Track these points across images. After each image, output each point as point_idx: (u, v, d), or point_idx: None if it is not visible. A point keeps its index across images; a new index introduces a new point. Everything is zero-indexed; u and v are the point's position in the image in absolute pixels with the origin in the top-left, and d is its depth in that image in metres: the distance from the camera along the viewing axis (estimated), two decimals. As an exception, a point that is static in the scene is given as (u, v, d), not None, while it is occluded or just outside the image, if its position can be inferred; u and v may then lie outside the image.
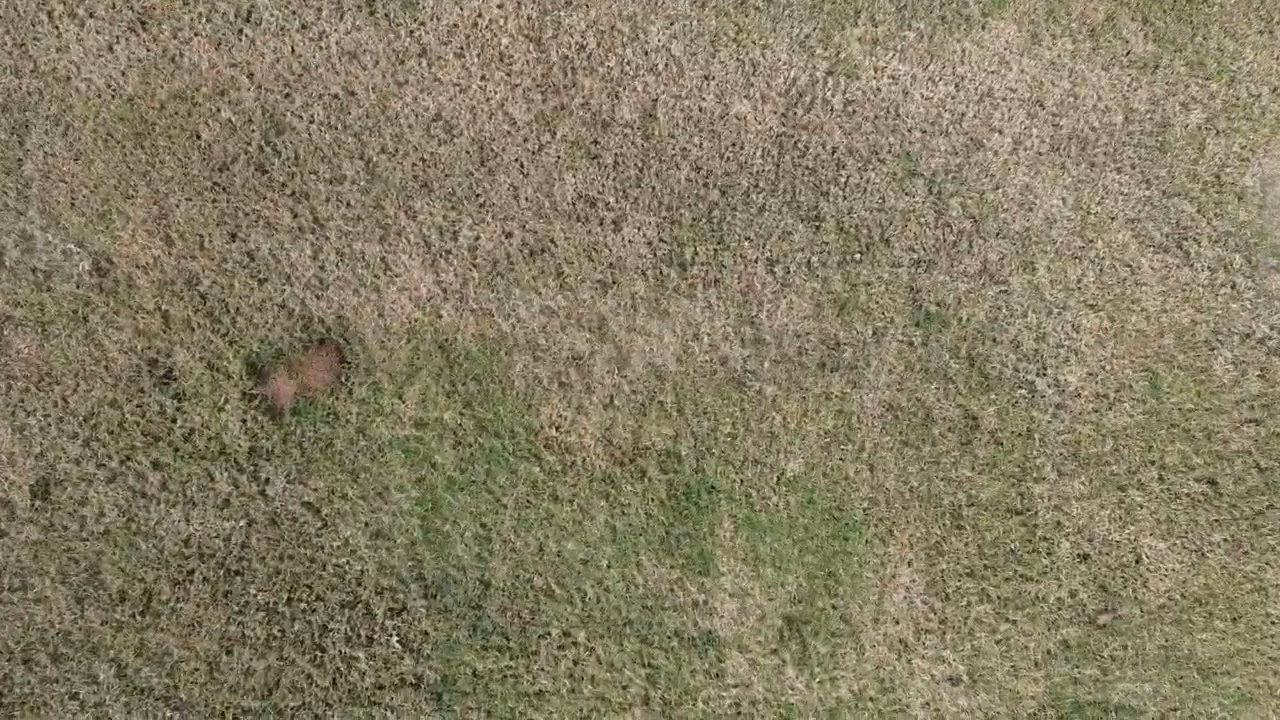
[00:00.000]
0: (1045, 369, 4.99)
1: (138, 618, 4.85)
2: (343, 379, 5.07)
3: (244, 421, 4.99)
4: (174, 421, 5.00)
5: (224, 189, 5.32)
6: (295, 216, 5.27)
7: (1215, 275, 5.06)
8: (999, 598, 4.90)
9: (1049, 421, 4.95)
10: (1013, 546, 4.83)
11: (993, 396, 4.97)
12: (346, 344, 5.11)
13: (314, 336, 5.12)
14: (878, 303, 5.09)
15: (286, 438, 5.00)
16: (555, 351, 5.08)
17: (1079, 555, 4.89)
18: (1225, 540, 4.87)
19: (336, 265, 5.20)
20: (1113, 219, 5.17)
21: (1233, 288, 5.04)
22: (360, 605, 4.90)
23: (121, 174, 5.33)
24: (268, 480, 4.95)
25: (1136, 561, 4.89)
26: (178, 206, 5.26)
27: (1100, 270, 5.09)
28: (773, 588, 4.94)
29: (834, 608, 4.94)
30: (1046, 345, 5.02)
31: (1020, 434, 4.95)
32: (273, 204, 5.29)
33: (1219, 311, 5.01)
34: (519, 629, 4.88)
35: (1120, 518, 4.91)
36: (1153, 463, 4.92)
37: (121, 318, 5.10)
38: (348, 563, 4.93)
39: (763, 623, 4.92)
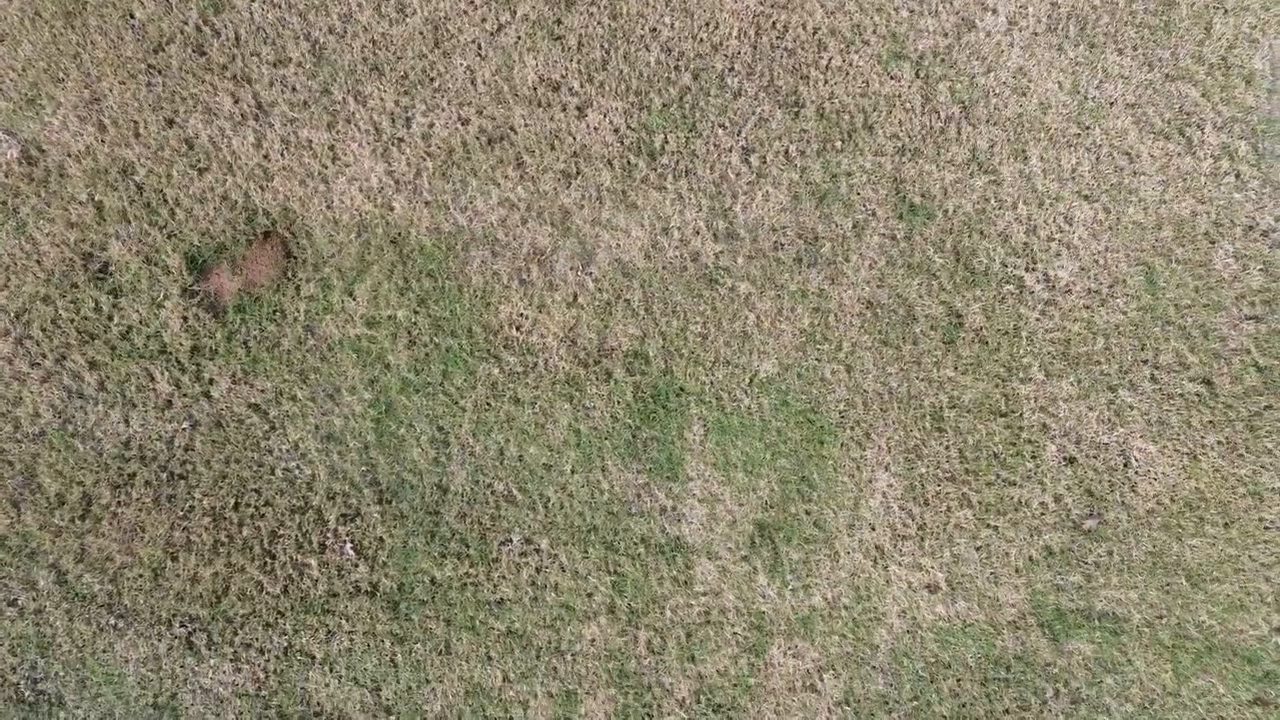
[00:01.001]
0: (1035, 263, 4.69)
1: (77, 522, 4.61)
2: (289, 274, 4.76)
3: (185, 319, 4.69)
4: (110, 319, 4.70)
5: (159, 72, 4.93)
6: (237, 102, 4.90)
7: (1219, 164, 4.72)
8: (980, 503, 4.68)
9: (1037, 319, 4.67)
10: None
11: (979, 293, 4.68)
12: (293, 237, 4.78)
13: (258, 229, 4.78)
14: (859, 194, 4.76)
15: (230, 336, 4.70)
16: (515, 247, 4.76)
17: (1065, 459, 4.65)
18: (1219, 443, 4.63)
19: (281, 154, 4.84)
20: (1112, 104, 4.81)
21: (1237, 177, 4.72)
22: (311, 511, 4.66)
23: (50, 56, 4.92)
24: (211, 381, 4.68)
25: (1125, 465, 4.65)
26: (110, 91, 4.86)
27: (1097, 159, 4.75)
28: (744, 493, 4.71)
29: (807, 514, 4.71)
30: (1037, 239, 4.71)
31: (1006, 332, 4.67)
32: (212, 88, 4.90)
33: (1221, 202, 4.70)
34: (478, 536, 4.66)
35: (1110, 420, 4.66)
36: (1146, 362, 4.65)
37: (53, 209, 4.76)
38: (298, 467, 4.68)
39: (733, 529, 4.70)
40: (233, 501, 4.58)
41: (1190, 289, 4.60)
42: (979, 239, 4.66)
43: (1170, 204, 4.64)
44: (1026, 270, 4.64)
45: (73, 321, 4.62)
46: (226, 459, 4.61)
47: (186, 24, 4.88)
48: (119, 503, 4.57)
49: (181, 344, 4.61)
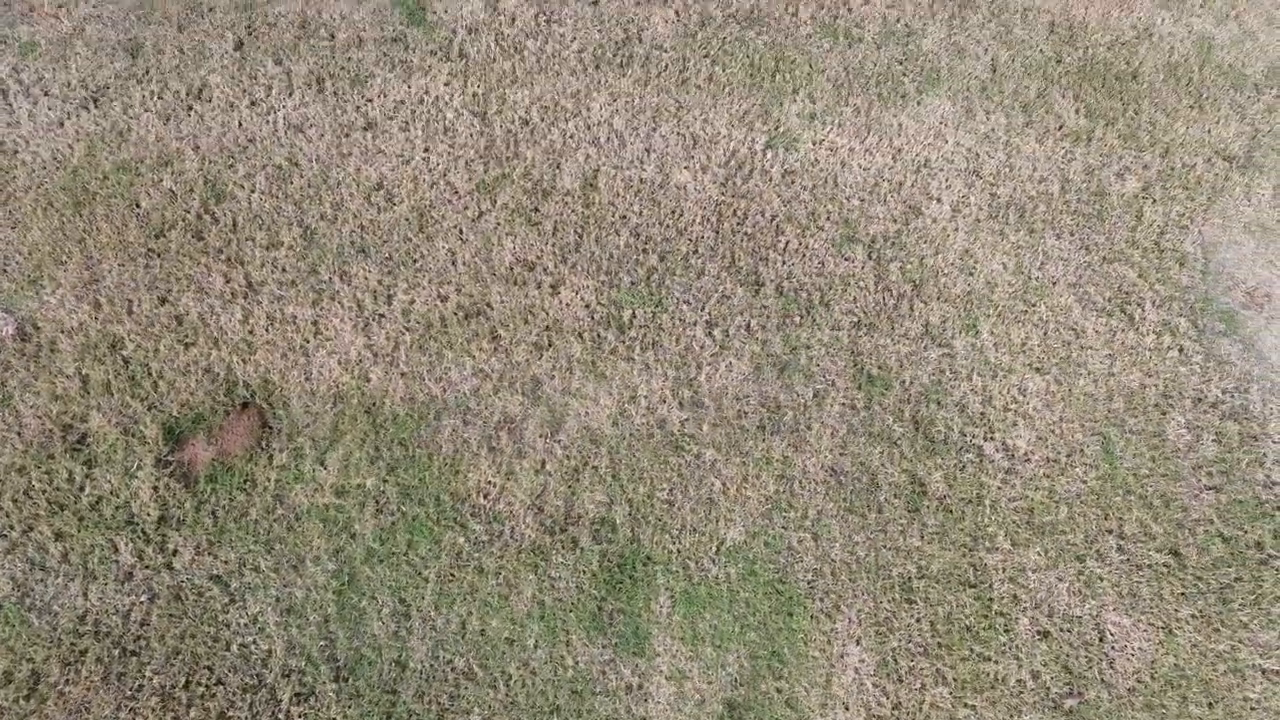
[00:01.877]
0: (993, 433, 4.80)
1: (21, 702, 4.46)
2: (264, 444, 4.85)
3: (155, 489, 4.73)
4: (82, 489, 4.74)
5: (158, 255, 5.25)
6: (228, 281, 5.18)
7: (1161, 339, 4.95)
8: (955, 679, 4.53)
9: (999, 487, 4.71)
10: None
11: (939, 461, 4.76)
12: (270, 408, 4.92)
13: (237, 400, 4.93)
14: (819, 365, 4.95)
15: (199, 506, 4.73)
16: (486, 415, 4.89)
17: (1039, 632, 4.55)
18: (1194, 615, 4.54)
19: (266, 329, 5.07)
20: (1054, 283, 5.09)
21: (1180, 351, 4.92)
22: (265, 689, 4.50)
23: (57, 240, 5.26)
24: (175, 551, 4.65)
25: (1101, 639, 4.54)
26: (110, 272, 5.15)
27: (1044, 333, 4.97)
28: (712, 669, 4.57)
29: (779, 691, 4.55)
30: (993, 408, 4.85)
31: (970, 500, 4.70)
32: (206, 269, 5.21)
33: (1168, 375, 4.87)
34: (436, 715, 4.48)
35: (1080, 591, 4.59)
36: (1111, 531, 4.65)
37: (40, 382, 4.91)
38: (254, 641, 4.56)
39: (702, 709, 4.52)
40: (184, 680, 4.44)
41: (1147, 458, 4.68)
42: (936, 408, 4.80)
43: (1119, 376, 4.81)
44: (985, 439, 4.74)
45: (44, 492, 4.66)
46: (182, 634, 4.51)
47: (189, 212, 5.25)
48: (67, 680, 4.43)
49: (149, 514, 4.63)
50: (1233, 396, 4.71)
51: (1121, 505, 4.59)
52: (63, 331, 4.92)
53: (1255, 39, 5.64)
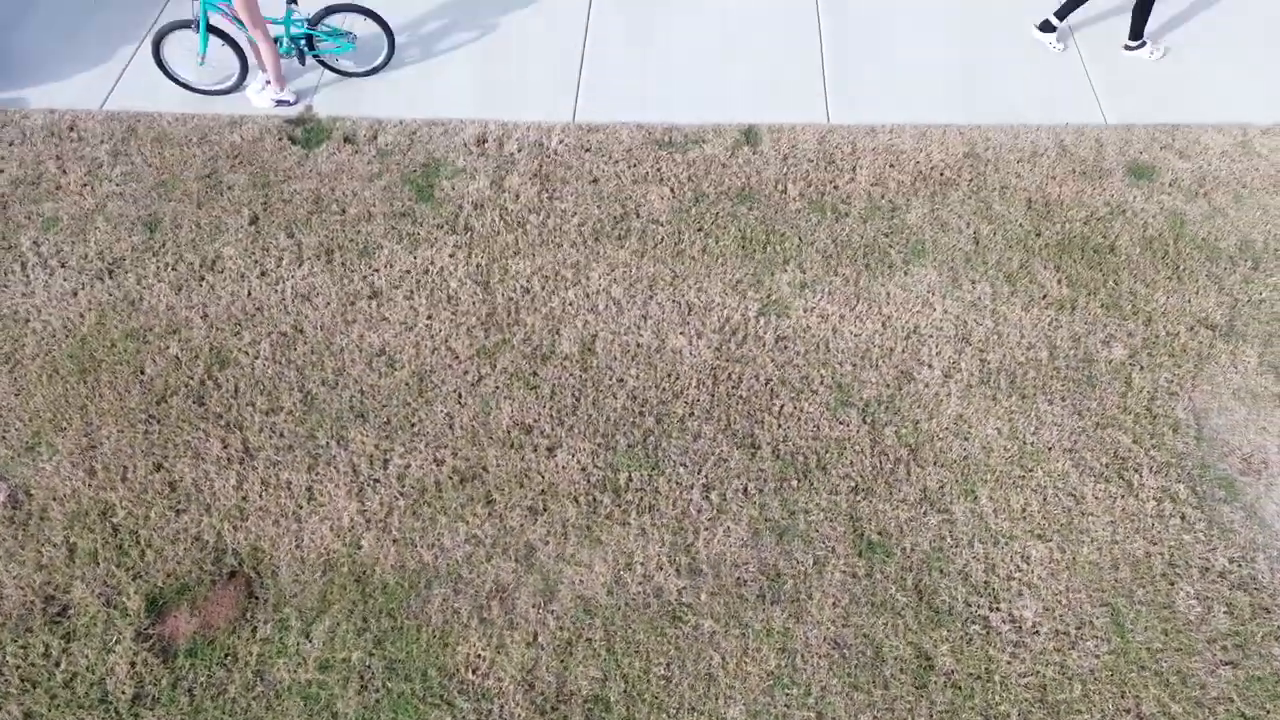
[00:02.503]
0: (998, 603, 4.70)
1: None
2: (248, 615, 4.74)
3: (133, 664, 4.57)
4: (58, 664, 4.58)
5: (158, 420, 5.34)
6: (226, 446, 5.24)
7: (1162, 505, 4.94)
8: None
9: (1009, 662, 4.57)
10: None
11: (945, 633, 4.64)
12: (258, 577, 4.84)
13: (225, 570, 4.86)
14: (818, 531, 4.92)
15: (176, 683, 4.56)
16: (478, 583, 4.80)
17: (1063, 822, 4.29)
18: (1225, 803, 4.30)
19: (260, 494, 5.07)
20: (1050, 448, 5.14)
21: (1182, 519, 4.90)
22: None
23: (59, 407, 5.36)
24: (147, 732, 4.45)
25: (1129, 830, 4.28)
26: (108, 438, 5.22)
27: (1044, 499, 4.97)
28: None
29: None
30: (997, 577, 4.77)
31: (979, 676, 4.54)
32: (204, 434, 5.27)
33: (1172, 543, 4.83)
34: None
35: (1103, 776, 4.37)
36: (1128, 711, 4.46)
37: (26, 550, 4.87)
38: (223, 834, 4.30)
39: None
40: None
41: (1159, 631, 4.57)
42: (939, 576, 4.73)
43: (1122, 544, 4.77)
44: (990, 609, 4.64)
45: (18, 668, 4.52)
46: (147, 824, 4.25)
47: (192, 378, 5.38)
48: None
49: (124, 692, 4.46)
50: (1240, 565, 4.65)
51: (1137, 682, 4.44)
52: (55, 499, 4.93)
53: (1225, 215, 5.95)
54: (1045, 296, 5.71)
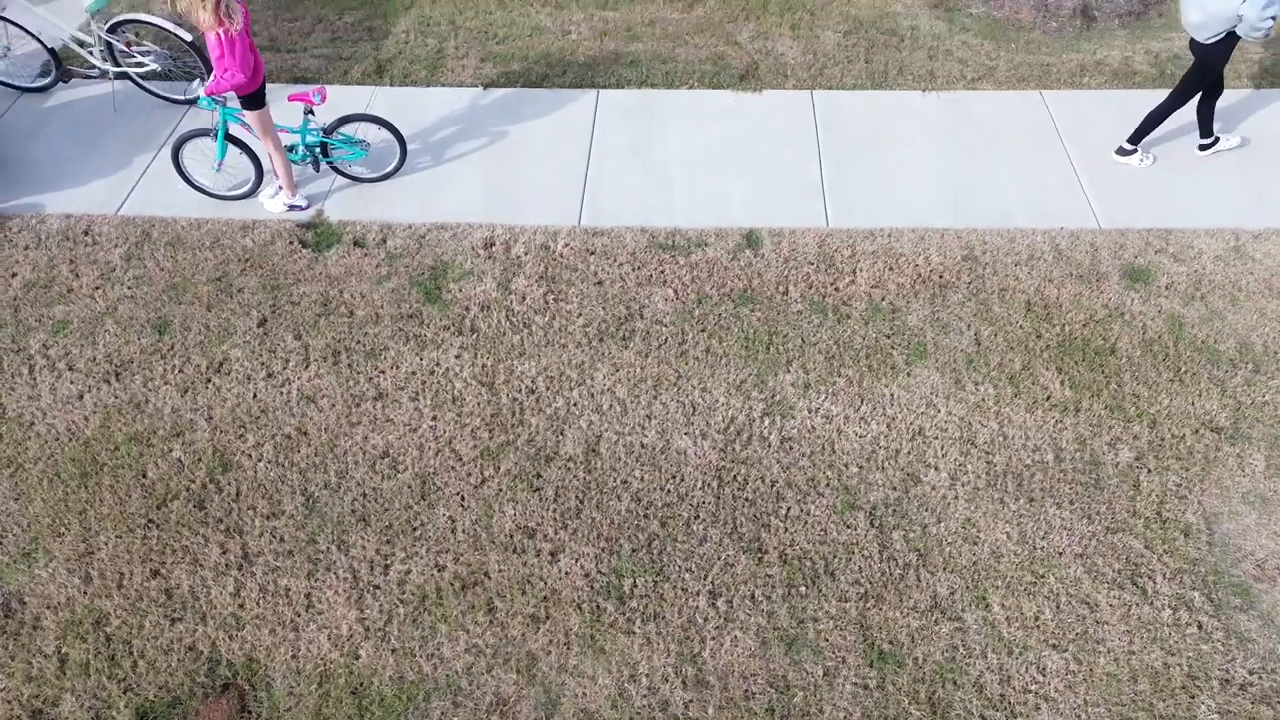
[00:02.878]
0: (1014, 717, 4.57)
1: None
2: (240, 731, 4.61)
3: (119, 783, 4.44)
4: (40, 783, 4.45)
5: (158, 525, 5.29)
6: (225, 552, 5.18)
7: (1178, 614, 4.85)
8: None
9: (1030, 780, 4.42)
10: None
11: (962, 749, 4.49)
12: (252, 689, 4.70)
13: (218, 682, 4.73)
14: (827, 640, 4.82)
15: (163, 803, 4.41)
16: (478, 696, 4.67)
17: None
18: None
19: (258, 602, 4.98)
20: (1060, 553, 5.08)
21: (1199, 628, 4.80)
22: None
23: (58, 512, 5.32)
24: None
25: None
26: (106, 544, 5.17)
27: (1057, 607, 4.89)
28: None
29: None
30: (1012, 689, 4.65)
31: (999, 796, 4.38)
32: (204, 539, 5.22)
33: (1190, 654, 4.72)
34: None
35: None
36: (1158, 833, 4.29)
37: (16, 661, 4.77)
38: None
39: None
40: None
41: (1183, 746, 4.43)
42: (953, 689, 4.61)
43: (1140, 655, 4.67)
44: (1008, 724, 4.52)
45: (-2, 786, 4.38)
46: None
47: (193, 482, 5.37)
48: None
49: (108, 812, 4.31)
50: (1260, 678, 4.55)
51: (1164, 802, 4.28)
52: (49, 607, 4.85)
53: (1223, 318, 6.04)
54: (1049, 398, 5.74)
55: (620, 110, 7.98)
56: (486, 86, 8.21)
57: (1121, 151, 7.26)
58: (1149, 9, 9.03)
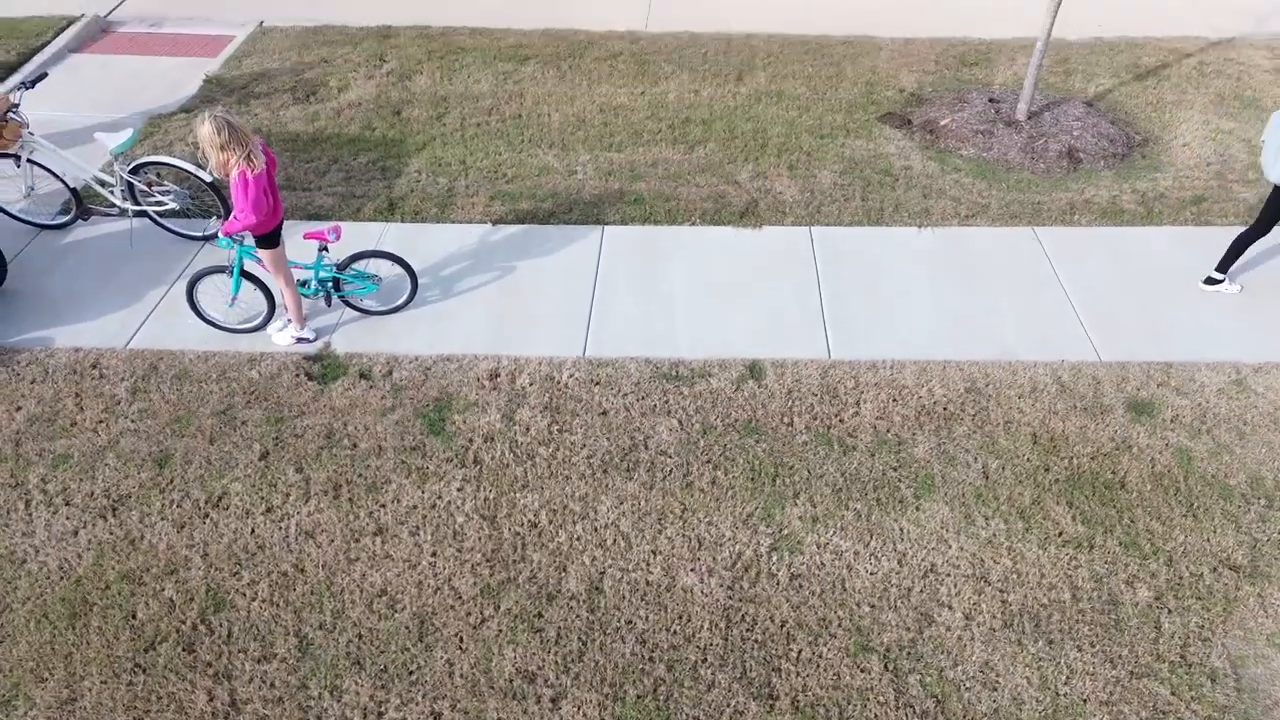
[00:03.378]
0: None
1: None
2: None
3: None
4: None
5: (145, 670, 5.08)
6: (211, 699, 4.95)
7: (1213, 764, 4.63)
8: None
9: None
10: None
11: None
12: None
13: (197, 843, 4.47)
14: (844, 798, 4.57)
15: None
16: None
17: None
18: None
19: (243, 754, 4.76)
20: (1085, 700, 4.87)
21: (1238, 779, 4.58)
22: None
23: (43, 655, 5.12)
24: None
25: None
26: (90, 690, 4.96)
27: (1086, 758, 4.66)
28: None
29: None
30: None
31: None
32: (191, 685, 5.00)
33: (1231, 808, 4.47)
34: None
35: None
36: None
37: (-17, 819, 4.52)
38: None
39: None
40: None
41: None
42: None
43: (1176, 810, 4.43)
44: None
45: None
46: None
47: (184, 623, 5.21)
48: None
49: None
50: (1307, 838, 4.28)
51: None
52: (23, 758, 4.62)
53: (1231, 452, 6.04)
54: (1061, 534, 5.66)
55: (625, 245, 8.22)
56: (495, 223, 8.48)
57: (1210, 281, 7.45)
58: (1132, 151, 9.45)
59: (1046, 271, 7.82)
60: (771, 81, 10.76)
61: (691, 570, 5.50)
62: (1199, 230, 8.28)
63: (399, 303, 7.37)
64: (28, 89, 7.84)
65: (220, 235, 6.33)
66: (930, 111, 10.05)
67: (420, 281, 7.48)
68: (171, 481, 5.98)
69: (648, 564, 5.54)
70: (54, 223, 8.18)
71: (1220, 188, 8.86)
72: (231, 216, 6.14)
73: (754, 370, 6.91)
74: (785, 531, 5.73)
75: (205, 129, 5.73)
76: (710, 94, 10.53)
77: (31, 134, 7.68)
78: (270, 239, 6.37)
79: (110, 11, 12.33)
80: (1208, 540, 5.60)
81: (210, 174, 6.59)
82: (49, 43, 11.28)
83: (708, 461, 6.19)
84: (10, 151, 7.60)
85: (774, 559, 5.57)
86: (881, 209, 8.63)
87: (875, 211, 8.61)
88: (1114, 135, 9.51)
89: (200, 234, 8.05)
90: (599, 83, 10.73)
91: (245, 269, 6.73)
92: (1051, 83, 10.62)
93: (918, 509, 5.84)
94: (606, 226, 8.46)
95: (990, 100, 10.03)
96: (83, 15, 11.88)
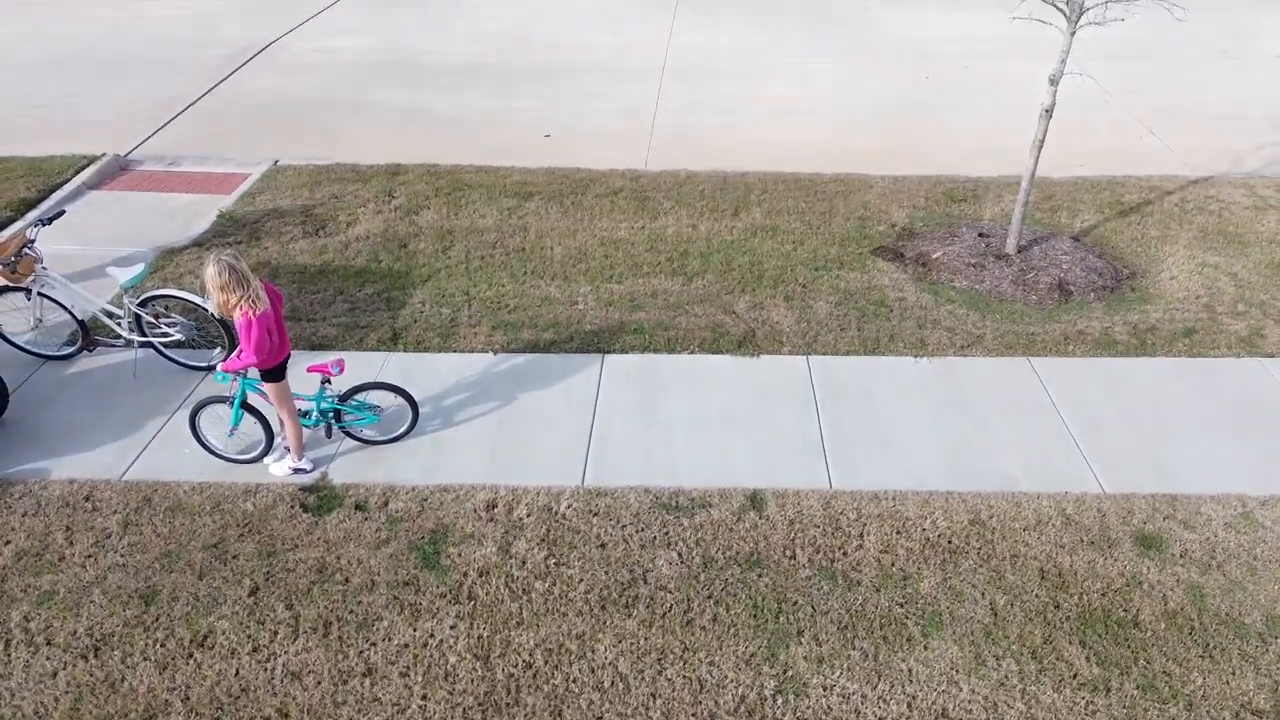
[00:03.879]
0: None
1: None
2: None
3: None
4: None
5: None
6: None
7: None
8: None
9: None
10: None
11: None
12: None
13: None
14: None
15: None
16: None
17: None
18: None
19: None
20: None
21: None
22: None
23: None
24: None
25: None
26: (54, 845, 4.71)
27: None
28: None
29: None
30: None
31: None
32: (162, 842, 4.75)
33: None
34: None
35: None
36: None
37: None
38: None
39: None
40: None
41: None
42: None
43: None
44: None
45: None
46: None
47: (159, 771, 4.97)
48: None
49: None
50: None
51: None
52: None
53: (1244, 589, 5.92)
54: (1076, 676, 5.48)
55: (624, 374, 8.31)
56: (497, 352, 8.61)
57: None
58: (1121, 284, 9.69)
59: (1045, 402, 7.87)
60: (766, 217, 11.15)
61: (692, 716, 5.29)
62: (1193, 361, 8.40)
63: (399, 432, 7.39)
64: (44, 225, 8.11)
65: (219, 370, 6.41)
66: (922, 245, 10.36)
67: (421, 410, 7.52)
68: (157, 619, 5.82)
69: (647, 708, 5.34)
70: (59, 353, 8.29)
71: (1210, 320, 9.03)
72: (234, 354, 6.24)
73: (755, 500, 6.85)
74: (790, 673, 5.54)
75: (209, 270, 5.92)
76: (707, 228, 10.88)
77: (45, 269, 7.90)
78: (275, 373, 6.45)
79: (130, 151, 12.90)
80: (1227, 684, 5.41)
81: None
82: (69, 180, 11.74)
83: (709, 597, 6.05)
84: (23, 285, 7.78)
85: (779, 702, 5.36)
86: (878, 339, 8.78)
87: (871, 341, 8.74)
88: (1102, 269, 9.78)
89: (204, 365, 8.15)
90: (600, 218, 11.11)
91: (247, 401, 6.78)
92: (1038, 218, 11.01)
93: (926, 648, 5.67)
94: (607, 355, 8.58)
95: (980, 235, 10.37)
96: (104, 154, 12.41)
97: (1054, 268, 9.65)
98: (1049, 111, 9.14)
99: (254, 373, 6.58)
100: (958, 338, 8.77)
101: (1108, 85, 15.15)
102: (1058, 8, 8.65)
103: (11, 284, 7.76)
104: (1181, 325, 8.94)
